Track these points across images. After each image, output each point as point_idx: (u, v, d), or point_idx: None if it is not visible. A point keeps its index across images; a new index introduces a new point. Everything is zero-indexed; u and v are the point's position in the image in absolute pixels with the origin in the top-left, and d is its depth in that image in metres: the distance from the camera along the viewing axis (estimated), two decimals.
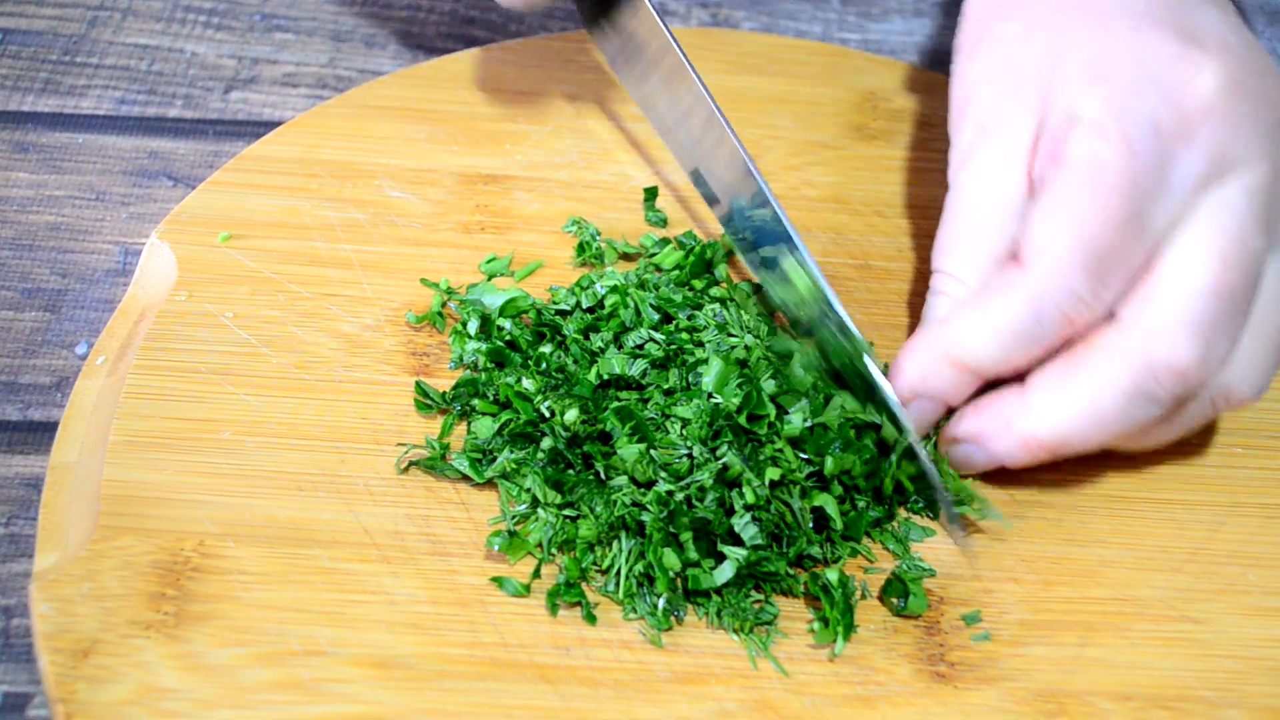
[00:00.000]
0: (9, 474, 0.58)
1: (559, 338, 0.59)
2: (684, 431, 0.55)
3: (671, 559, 0.52)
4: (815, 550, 0.54)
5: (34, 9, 0.78)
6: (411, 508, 0.54)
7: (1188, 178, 0.53)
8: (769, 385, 0.56)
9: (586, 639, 0.51)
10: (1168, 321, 0.52)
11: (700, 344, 0.58)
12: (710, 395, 0.56)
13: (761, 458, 0.54)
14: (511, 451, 0.55)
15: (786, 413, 0.55)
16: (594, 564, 0.53)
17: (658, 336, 0.59)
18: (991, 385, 0.56)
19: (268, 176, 0.66)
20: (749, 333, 0.59)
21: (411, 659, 0.50)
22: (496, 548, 0.53)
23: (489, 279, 0.63)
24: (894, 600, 0.53)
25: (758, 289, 0.62)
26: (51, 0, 0.78)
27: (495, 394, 0.57)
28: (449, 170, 0.67)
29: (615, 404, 0.56)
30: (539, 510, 0.54)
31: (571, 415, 0.54)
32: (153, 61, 0.76)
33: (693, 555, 0.52)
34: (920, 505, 0.56)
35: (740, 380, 0.56)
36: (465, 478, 0.55)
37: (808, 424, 0.55)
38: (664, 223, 0.66)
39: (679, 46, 0.63)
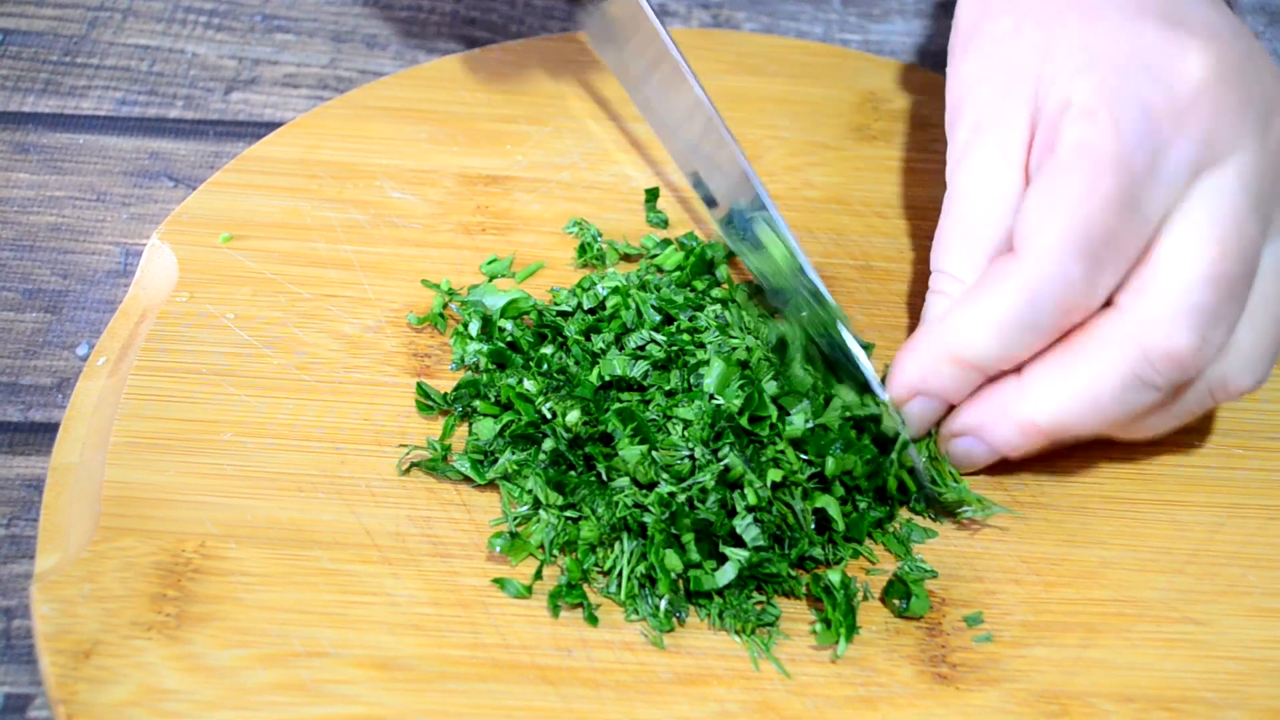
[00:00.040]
0: (10, 475, 0.58)
1: (560, 339, 0.59)
2: (685, 433, 0.55)
3: (673, 560, 0.52)
4: (817, 551, 0.54)
5: (34, 9, 0.78)
6: (413, 509, 0.54)
7: (1181, 162, 0.53)
8: (770, 386, 0.56)
9: (588, 640, 0.51)
10: (1165, 309, 0.52)
11: (702, 345, 0.58)
12: (712, 396, 0.56)
13: (763, 459, 0.54)
14: (513, 453, 0.55)
15: (788, 414, 0.55)
16: (596, 565, 0.53)
17: (659, 338, 0.59)
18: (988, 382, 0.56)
19: (269, 177, 0.65)
20: (750, 334, 0.59)
21: (413, 660, 0.50)
22: (498, 549, 0.53)
23: (490, 280, 0.63)
24: (896, 602, 0.53)
25: (758, 290, 0.62)
26: (52, 1, 0.78)
27: (497, 395, 0.57)
28: (450, 171, 0.67)
29: (617, 405, 0.56)
30: (541, 511, 0.54)
31: (573, 416, 0.54)
32: (153, 62, 0.76)
33: (694, 556, 0.52)
34: (921, 505, 0.56)
35: (742, 381, 0.56)
36: (467, 479, 0.55)
37: (809, 425, 0.55)
38: (665, 224, 0.66)
39: (677, 50, 0.63)
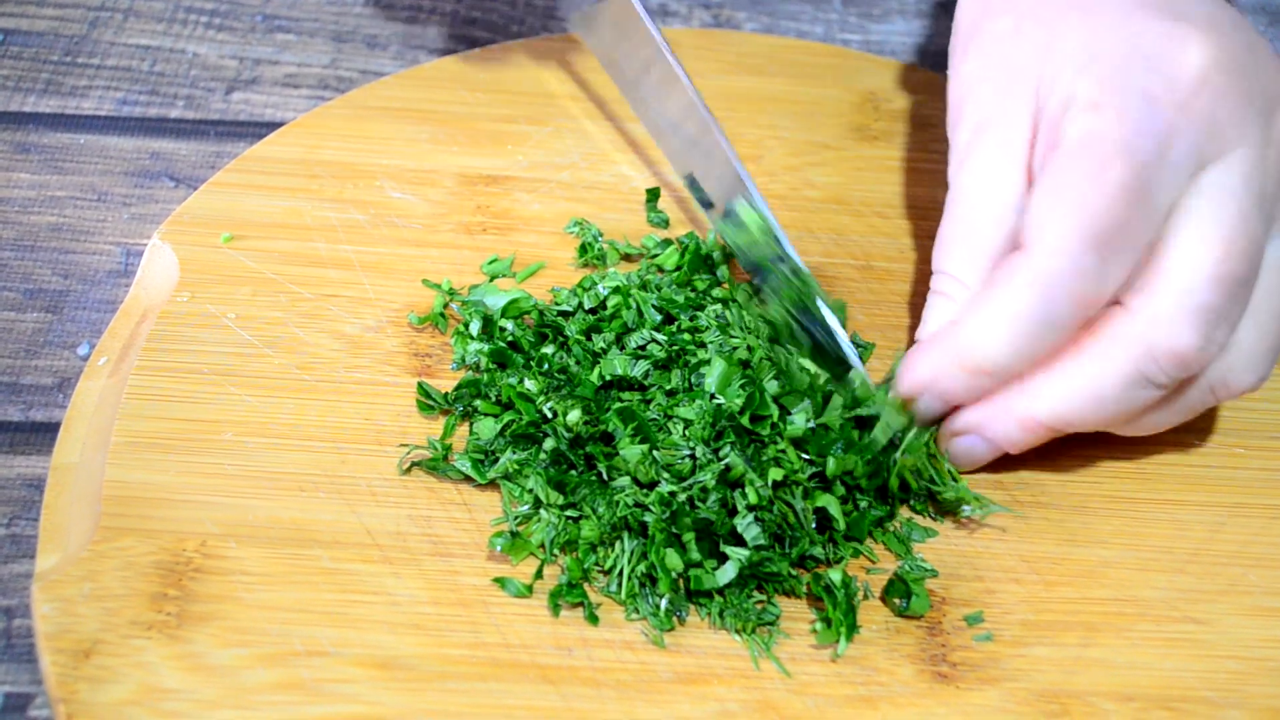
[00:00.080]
0: (11, 475, 0.58)
1: (561, 339, 0.59)
2: (686, 432, 0.55)
3: (674, 559, 0.52)
4: (818, 551, 0.53)
5: (35, 9, 0.78)
6: (414, 508, 0.54)
7: (1186, 150, 0.52)
8: (771, 386, 0.56)
9: (589, 639, 0.51)
10: (1170, 307, 0.52)
11: (703, 345, 0.58)
12: (713, 396, 0.56)
13: (764, 458, 0.54)
14: (514, 452, 0.55)
15: (789, 413, 0.55)
16: (596, 565, 0.53)
17: (660, 337, 0.59)
18: None
19: (269, 177, 0.66)
20: (751, 333, 0.59)
21: (414, 659, 0.50)
22: (499, 548, 0.53)
23: (491, 280, 0.63)
24: (896, 601, 0.53)
25: (758, 291, 0.62)
26: (53, 1, 0.78)
27: (497, 395, 0.57)
28: (450, 171, 0.67)
29: (617, 405, 0.56)
30: (541, 511, 0.54)
31: (574, 416, 0.54)
32: (154, 62, 0.76)
33: (695, 556, 0.52)
34: (923, 505, 0.56)
35: (743, 381, 0.56)
36: (467, 478, 0.55)
37: (810, 424, 0.55)
38: (666, 224, 0.66)
39: (671, 53, 0.63)
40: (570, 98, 0.72)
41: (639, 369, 0.57)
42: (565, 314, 0.61)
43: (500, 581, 0.52)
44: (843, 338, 0.57)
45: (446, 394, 0.58)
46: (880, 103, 0.73)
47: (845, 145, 0.71)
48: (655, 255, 0.64)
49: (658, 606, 0.52)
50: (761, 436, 0.54)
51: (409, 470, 0.55)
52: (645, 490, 0.54)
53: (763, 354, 0.57)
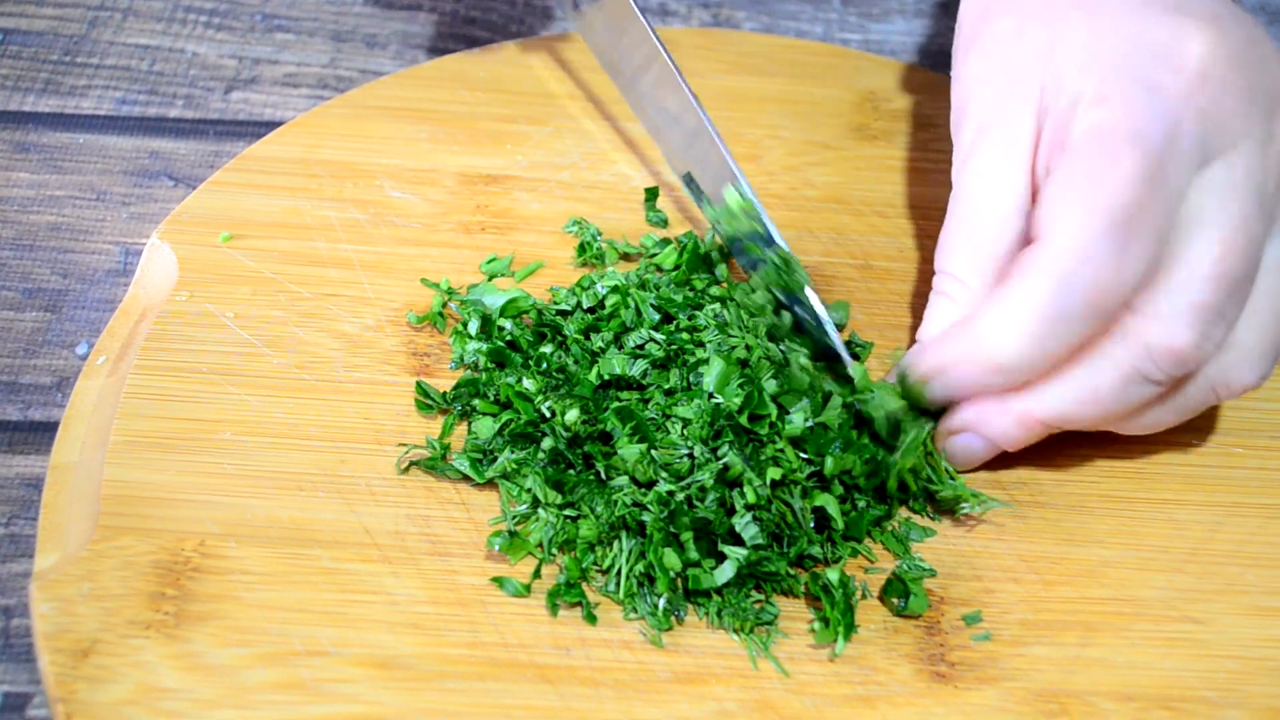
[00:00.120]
0: (9, 474, 0.58)
1: (560, 338, 0.59)
2: (685, 431, 0.55)
3: (672, 559, 0.52)
4: (816, 550, 0.53)
5: (34, 9, 0.78)
6: (412, 508, 0.54)
7: (1192, 141, 0.52)
8: (770, 385, 0.56)
9: (587, 639, 0.51)
10: (1168, 305, 0.52)
11: (701, 344, 0.58)
12: (711, 395, 0.56)
13: (762, 457, 0.54)
14: (512, 452, 0.55)
15: (787, 412, 0.55)
16: (594, 564, 0.53)
17: (658, 337, 0.59)
18: None
19: (268, 177, 0.66)
20: (750, 333, 0.59)
21: (412, 659, 0.50)
22: (497, 548, 0.53)
23: (490, 279, 0.63)
24: (894, 600, 0.53)
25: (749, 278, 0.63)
26: (52, 0, 0.78)
27: (496, 394, 0.57)
28: (450, 170, 0.67)
29: (616, 404, 0.56)
30: (539, 510, 0.54)
31: (572, 415, 0.54)
32: (153, 62, 0.76)
33: (693, 555, 0.52)
34: (921, 505, 0.56)
35: (741, 380, 0.56)
36: (466, 478, 0.55)
37: (809, 424, 0.55)
38: (665, 223, 0.66)
39: (667, 53, 0.63)
40: (570, 97, 0.72)
41: (637, 368, 0.57)
42: (564, 313, 0.61)
43: (498, 581, 0.52)
44: (827, 322, 0.57)
45: (445, 393, 0.58)
46: (880, 102, 0.73)
47: (845, 145, 0.71)
48: (654, 254, 0.64)
49: (656, 606, 0.52)
50: (760, 436, 0.54)
51: (407, 469, 0.55)
52: (643, 490, 0.54)
53: (761, 353, 0.57)
